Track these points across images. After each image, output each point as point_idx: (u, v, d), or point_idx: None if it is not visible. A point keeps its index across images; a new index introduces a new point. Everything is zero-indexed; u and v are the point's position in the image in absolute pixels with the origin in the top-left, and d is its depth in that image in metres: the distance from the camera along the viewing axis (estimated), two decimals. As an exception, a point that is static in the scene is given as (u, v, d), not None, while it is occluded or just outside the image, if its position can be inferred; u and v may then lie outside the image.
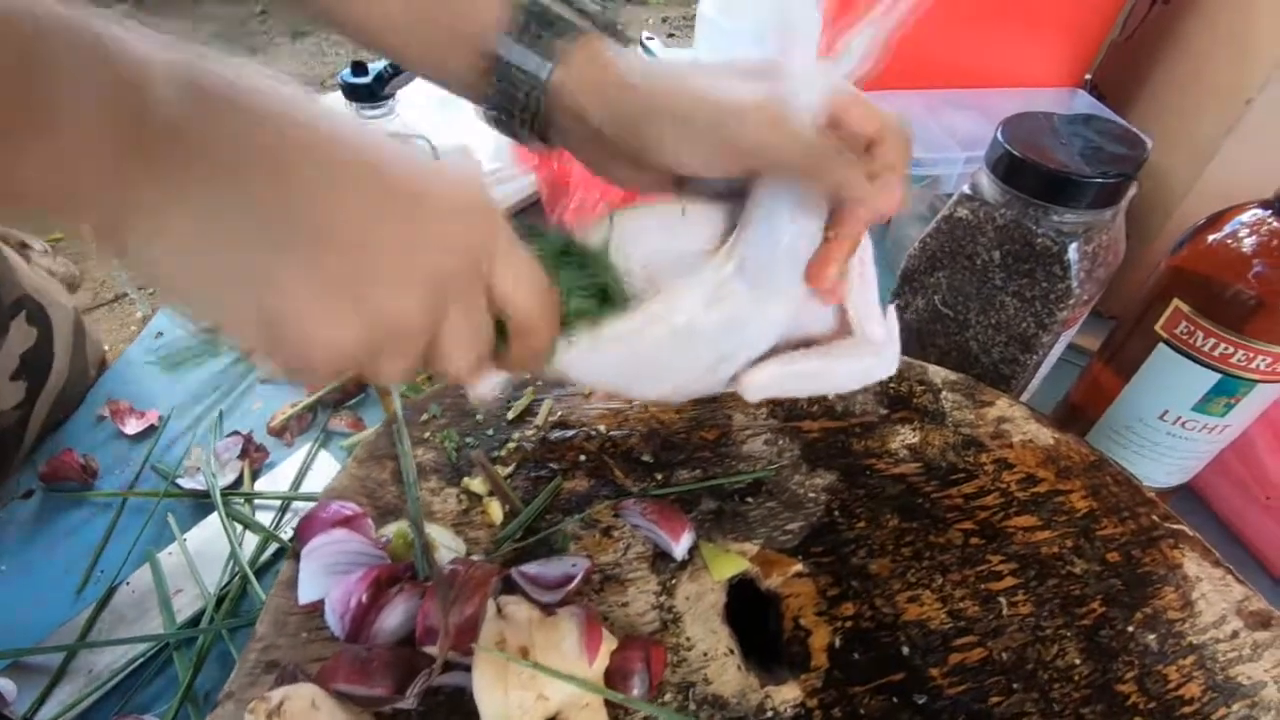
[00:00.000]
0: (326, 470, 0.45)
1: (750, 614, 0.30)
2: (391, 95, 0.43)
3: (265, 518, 0.42)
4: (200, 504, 0.42)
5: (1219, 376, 0.37)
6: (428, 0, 0.29)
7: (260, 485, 0.44)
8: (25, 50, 0.16)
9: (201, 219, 0.18)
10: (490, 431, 0.36)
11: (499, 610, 0.26)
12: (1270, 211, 0.35)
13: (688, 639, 0.28)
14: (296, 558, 0.29)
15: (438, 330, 0.22)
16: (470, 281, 0.22)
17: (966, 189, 0.38)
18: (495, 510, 0.32)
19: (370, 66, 0.42)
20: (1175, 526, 0.33)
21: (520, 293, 0.23)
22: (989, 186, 0.37)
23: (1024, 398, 0.44)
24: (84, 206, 0.18)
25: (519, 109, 0.29)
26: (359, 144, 0.20)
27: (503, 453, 0.35)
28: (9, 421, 0.44)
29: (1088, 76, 0.64)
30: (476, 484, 0.33)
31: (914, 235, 0.55)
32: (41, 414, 0.46)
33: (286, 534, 0.41)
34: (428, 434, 0.35)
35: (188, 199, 0.18)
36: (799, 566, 0.31)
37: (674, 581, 0.30)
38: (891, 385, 0.39)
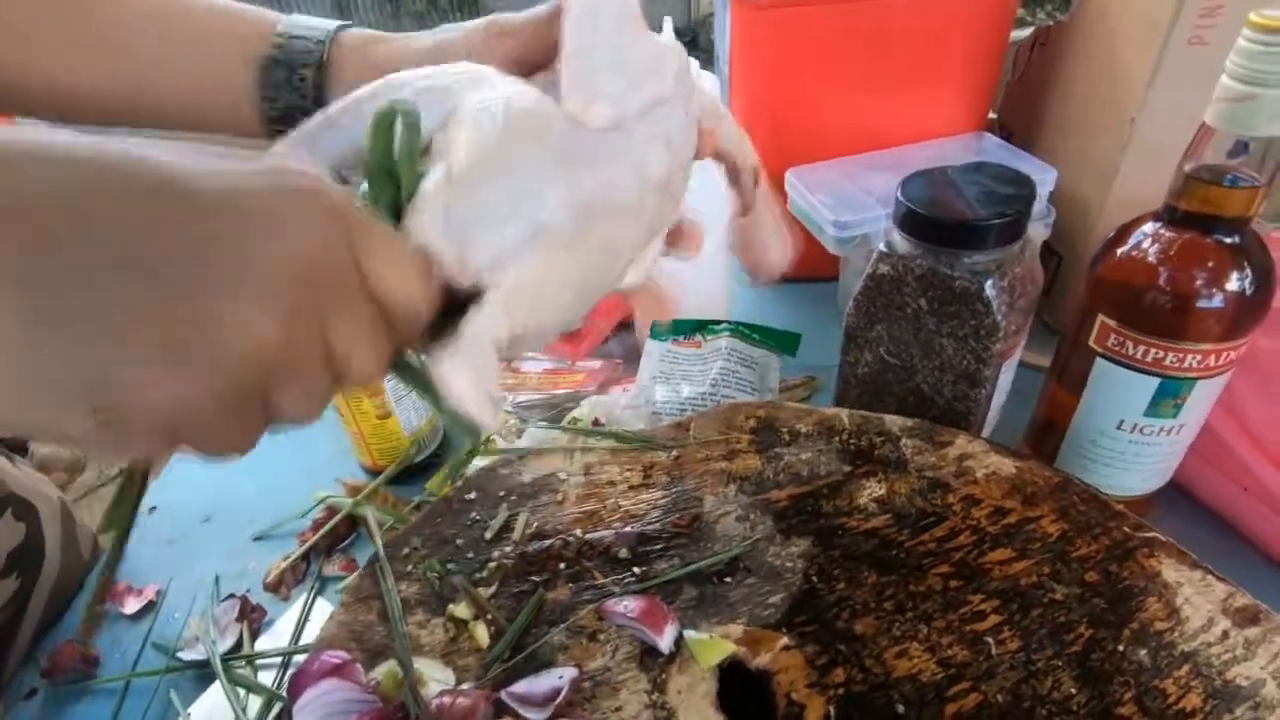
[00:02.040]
0: (325, 618, 0.45)
1: (747, 693, 0.30)
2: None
3: (269, 676, 0.42)
4: (202, 674, 0.42)
5: (1158, 380, 0.38)
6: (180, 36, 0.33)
7: (261, 644, 0.44)
8: None
9: None
10: (470, 554, 0.36)
11: (489, 737, 0.26)
12: (1162, 223, 0.37)
13: (684, 734, 0.28)
14: (290, 716, 0.30)
15: (326, 340, 0.20)
16: (336, 275, 0.20)
17: (883, 247, 0.40)
18: (481, 633, 0.33)
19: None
20: (1147, 535, 0.34)
21: (392, 279, 0.21)
22: (900, 242, 0.39)
23: (988, 429, 0.45)
24: None
25: (303, 74, 0.32)
26: (147, 160, 0.18)
27: (484, 573, 0.35)
28: (5, 619, 0.45)
29: (993, 116, 0.69)
30: (461, 609, 0.34)
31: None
32: (39, 608, 0.47)
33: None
34: (410, 567, 0.36)
35: None
36: (785, 640, 0.31)
37: (664, 676, 0.30)
38: (852, 441, 0.40)
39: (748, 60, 0.60)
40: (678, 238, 0.34)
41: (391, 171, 0.23)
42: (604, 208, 0.26)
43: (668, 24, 0.35)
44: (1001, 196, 0.38)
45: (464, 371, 0.23)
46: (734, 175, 0.36)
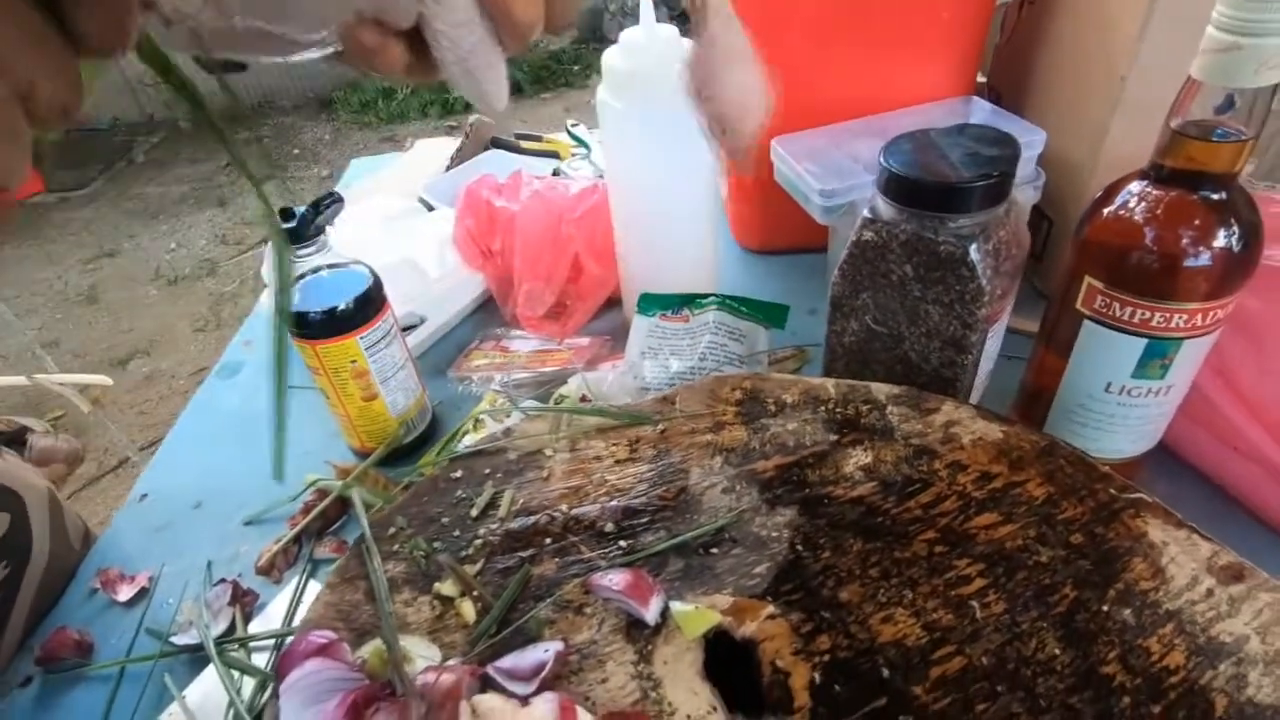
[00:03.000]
0: (316, 600, 0.45)
1: (733, 662, 0.30)
2: (321, 231, 0.46)
3: (263, 659, 0.42)
4: (195, 658, 0.43)
5: (1145, 341, 0.37)
6: None
7: (254, 627, 0.44)
8: None
9: None
10: (456, 533, 0.36)
11: (473, 711, 0.26)
12: (1148, 181, 0.36)
13: (670, 704, 0.28)
14: (277, 697, 0.30)
15: None
16: None
17: (867, 213, 0.40)
18: (468, 610, 0.33)
19: (294, 210, 0.45)
20: (1133, 496, 0.34)
21: None
22: (884, 208, 0.39)
23: (977, 394, 0.45)
24: None
25: None
26: None
27: (470, 551, 0.35)
28: None
29: (982, 79, 0.67)
30: (447, 587, 0.34)
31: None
32: (29, 596, 0.47)
33: (283, 672, 0.41)
34: (396, 546, 0.36)
35: None
36: (770, 609, 0.31)
37: (650, 648, 0.30)
38: (838, 409, 0.40)
39: (731, 27, 0.58)
40: None
41: None
42: None
43: None
44: (985, 158, 0.37)
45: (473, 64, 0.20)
46: None
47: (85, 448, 1.82)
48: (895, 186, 0.38)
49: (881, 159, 0.38)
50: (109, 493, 1.73)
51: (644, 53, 0.49)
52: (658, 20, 0.49)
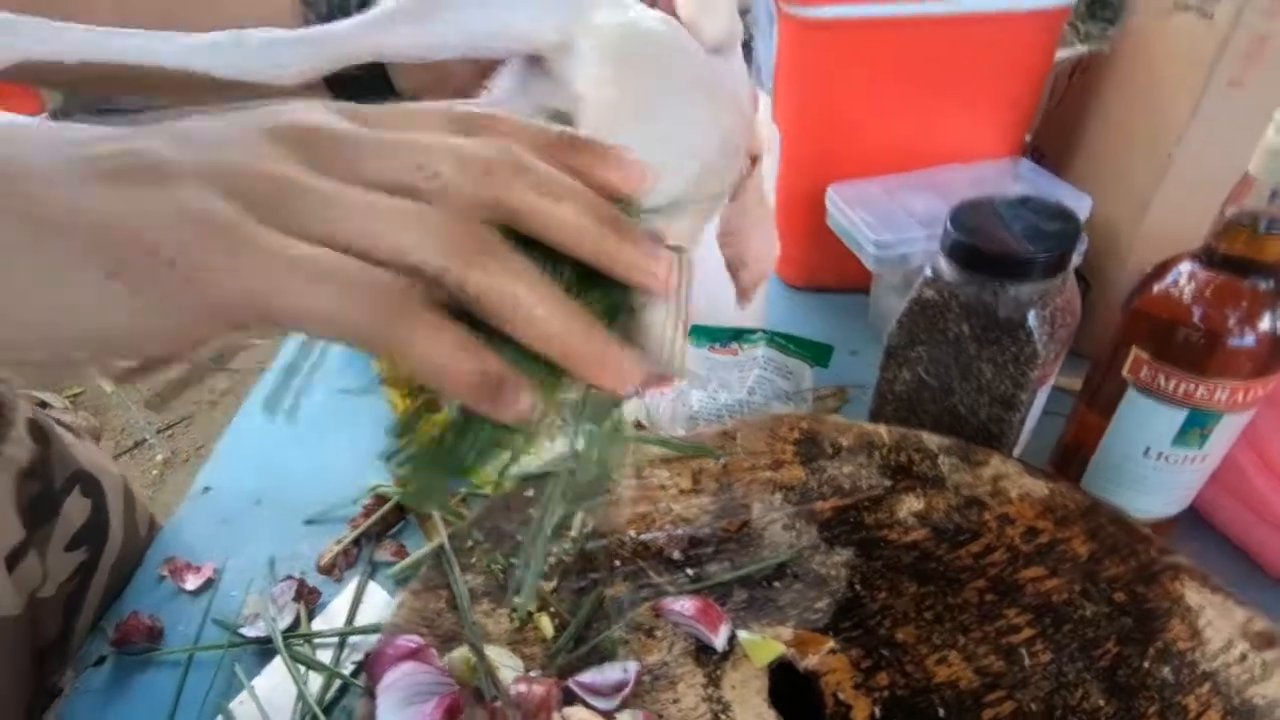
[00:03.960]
0: (377, 601, 0.47)
1: (794, 692, 0.32)
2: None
3: (325, 655, 0.44)
4: (262, 650, 0.45)
5: (1187, 412, 0.40)
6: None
7: (316, 624, 0.46)
8: None
9: None
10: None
11: (564, 722, 0.29)
12: (1200, 263, 0.39)
13: (739, 727, 0.31)
14: (370, 694, 0.32)
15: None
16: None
17: (929, 272, 0.42)
18: (546, 625, 0.35)
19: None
20: (1172, 559, 0.36)
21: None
22: (948, 270, 0.41)
23: (1018, 450, 0.47)
24: None
25: None
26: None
27: (545, 569, 0.38)
28: (69, 589, 0.47)
29: (1028, 139, 0.70)
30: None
31: (892, 303, 0.59)
32: (102, 580, 0.49)
33: (347, 669, 0.43)
34: (474, 559, 0.38)
35: None
36: (831, 643, 0.33)
37: (719, 672, 0.32)
38: (891, 456, 0.42)
39: (793, 75, 0.61)
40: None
41: None
42: (735, 130, 0.26)
43: None
44: (1047, 231, 0.39)
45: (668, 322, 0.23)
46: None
47: (103, 426, 1.84)
48: (960, 252, 0.40)
49: (948, 224, 0.41)
50: (126, 473, 1.75)
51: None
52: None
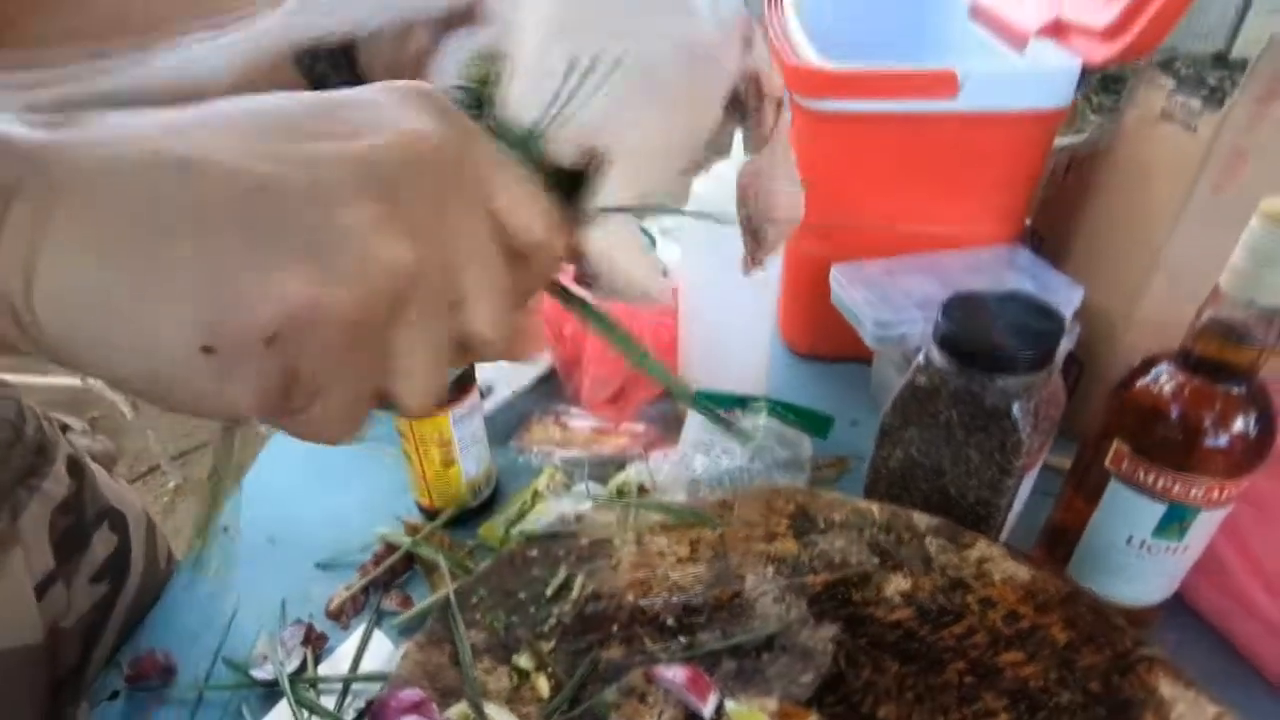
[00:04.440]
0: (381, 649, 0.49)
1: (776, 766, 0.34)
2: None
3: (329, 700, 0.46)
4: (270, 692, 0.47)
5: (1166, 505, 0.42)
6: None
7: (322, 669, 0.48)
8: None
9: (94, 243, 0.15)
10: (532, 609, 0.40)
11: (556, 784, 0.30)
12: (1178, 364, 0.41)
13: (722, 797, 0.32)
14: (374, 746, 0.34)
15: (449, 266, 0.18)
16: (453, 179, 0.18)
17: (921, 359, 0.45)
18: (543, 685, 0.37)
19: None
20: (1148, 651, 0.37)
21: (523, 212, 0.19)
22: (938, 358, 0.44)
23: (1007, 529, 0.49)
24: None
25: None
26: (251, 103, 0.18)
27: (545, 629, 0.39)
28: (89, 620, 0.49)
29: (1028, 223, 0.73)
30: (524, 660, 0.38)
31: (892, 377, 0.61)
32: (121, 614, 0.51)
33: (350, 715, 0.44)
34: (477, 615, 0.40)
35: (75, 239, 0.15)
36: (814, 718, 0.35)
37: (705, 741, 0.34)
38: (881, 534, 0.44)
39: (803, 160, 0.64)
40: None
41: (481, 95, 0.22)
42: (695, 43, 0.24)
43: None
44: (1033, 329, 0.42)
45: (620, 242, 0.22)
46: (755, 101, 0.30)
47: (119, 451, 1.87)
48: (949, 343, 0.43)
49: (939, 316, 0.43)
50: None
51: (720, 179, 0.55)
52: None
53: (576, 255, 0.23)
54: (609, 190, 0.22)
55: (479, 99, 0.22)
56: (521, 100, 0.21)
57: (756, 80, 0.29)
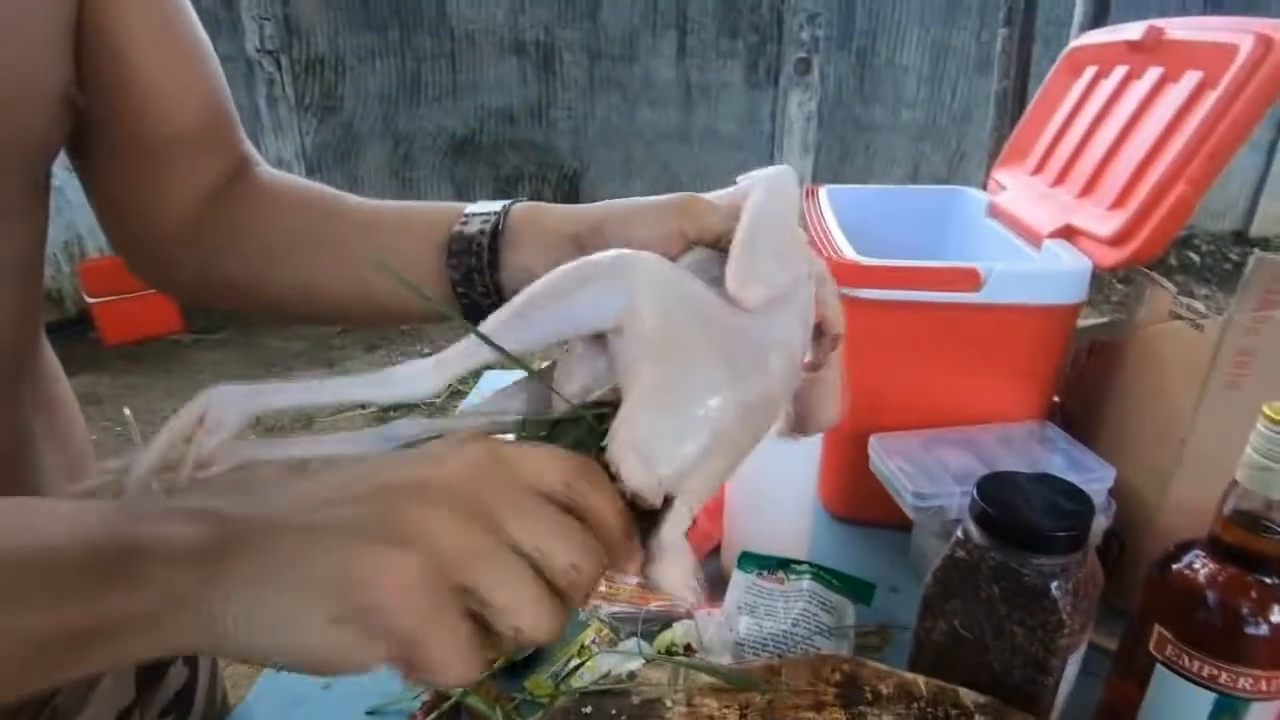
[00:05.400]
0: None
1: None
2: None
3: None
4: (315, 845, 0.47)
5: (1215, 695, 0.42)
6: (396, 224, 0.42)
7: (367, 823, 0.48)
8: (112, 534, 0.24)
9: (264, 590, 0.23)
10: (586, 769, 0.41)
11: None
12: (1209, 551, 0.43)
13: None
14: None
15: (515, 542, 0.24)
16: (495, 487, 0.25)
17: (960, 534, 0.47)
18: None
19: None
20: None
21: (548, 473, 0.26)
22: (976, 533, 0.46)
23: (1056, 713, 0.49)
24: (180, 609, 0.24)
25: (480, 240, 0.39)
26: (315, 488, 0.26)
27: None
28: None
29: (1056, 399, 0.77)
30: (578, 823, 0.38)
31: (932, 545, 0.63)
32: (174, 753, 0.53)
33: None
34: (533, 773, 0.41)
35: (252, 581, 0.24)
36: None
37: None
38: (929, 709, 0.44)
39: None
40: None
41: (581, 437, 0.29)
42: (761, 387, 0.30)
43: None
44: (1065, 510, 0.45)
45: (674, 571, 0.28)
46: (819, 333, 0.38)
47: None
48: (985, 521, 0.46)
49: (975, 494, 0.47)
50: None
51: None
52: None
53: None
54: (675, 525, 0.28)
55: (592, 422, 0.29)
56: (616, 454, 0.28)
57: (825, 321, 0.37)
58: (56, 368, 0.49)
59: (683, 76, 3.87)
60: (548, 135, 3.94)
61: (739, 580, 0.63)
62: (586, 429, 0.29)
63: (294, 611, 0.23)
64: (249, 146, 0.49)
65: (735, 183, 0.38)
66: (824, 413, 0.40)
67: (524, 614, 0.24)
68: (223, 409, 0.29)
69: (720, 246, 0.35)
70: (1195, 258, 4.15)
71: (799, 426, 0.41)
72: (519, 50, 3.75)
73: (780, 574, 0.64)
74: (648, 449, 0.27)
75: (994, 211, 0.83)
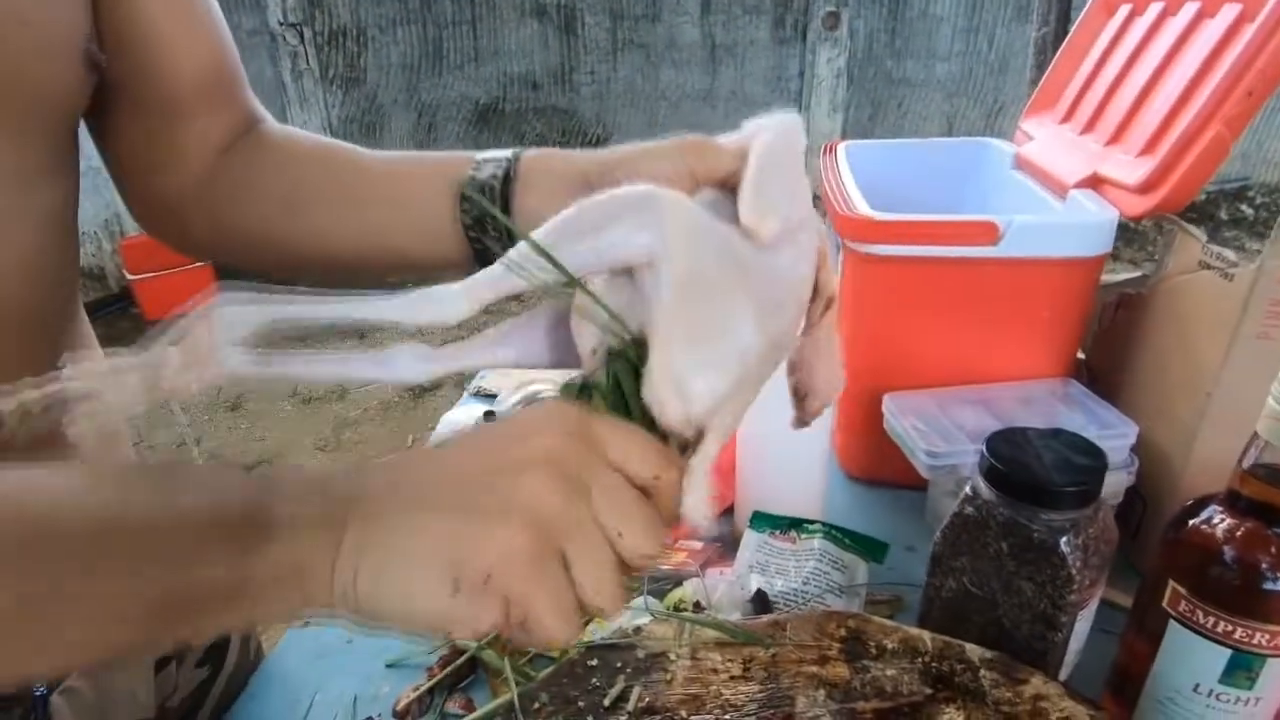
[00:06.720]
0: (444, 752, 0.51)
1: None
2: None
3: (391, 801, 0.48)
4: (339, 787, 0.49)
5: (1230, 651, 0.41)
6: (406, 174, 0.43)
7: (387, 768, 0.50)
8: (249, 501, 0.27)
9: (379, 547, 0.26)
10: (590, 717, 0.42)
11: None
12: (1227, 506, 0.42)
13: None
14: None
15: (596, 517, 0.27)
16: (578, 459, 0.27)
17: (969, 490, 0.47)
18: (598, 795, 0.38)
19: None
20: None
21: (634, 459, 0.28)
22: (984, 490, 0.46)
23: (1068, 668, 0.48)
24: (309, 577, 0.27)
25: (492, 185, 0.40)
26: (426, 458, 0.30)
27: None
28: (189, 703, 0.53)
29: (1081, 356, 0.75)
30: (581, 769, 0.39)
31: (947, 504, 0.62)
32: (214, 699, 0.55)
33: (410, 818, 0.46)
34: (539, 721, 0.42)
35: (368, 540, 0.27)
36: None
37: None
38: (934, 664, 0.44)
39: (854, 299, 0.70)
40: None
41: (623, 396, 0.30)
42: (778, 324, 0.32)
43: None
44: (1076, 465, 0.44)
45: (699, 501, 0.30)
46: (813, 295, 0.38)
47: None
48: (994, 476, 0.45)
49: (984, 450, 0.46)
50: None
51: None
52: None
53: None
54: (705, 458, 0.30)
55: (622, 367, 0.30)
56: (656, 392, 0.28)
57: (815, 281, 0.37)
58: (93, 340, 0.50)
59: (707, 35, 3.77)
60: (571, 100, 3.89)
61: (751, 539, 0.63)
62: (624, 365, 0.30)
63: (418, 583, 0.26)
64: (256, 103, 0.49)
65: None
66: (825, 382, 0.41)
67: (604, 586, 0.27)
68: (230, 316, 0.29)
69: (728, 187, 0.35)
70: (1249, 210, 3.95)
71: (803, 403, 0.42)
72: (540, 13, 3.69)
73: (792, 533, 0.64)
74: (685, 385, 0.28)
75: (1020, 163, 0.80)
